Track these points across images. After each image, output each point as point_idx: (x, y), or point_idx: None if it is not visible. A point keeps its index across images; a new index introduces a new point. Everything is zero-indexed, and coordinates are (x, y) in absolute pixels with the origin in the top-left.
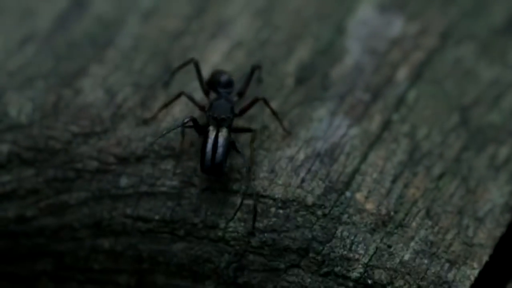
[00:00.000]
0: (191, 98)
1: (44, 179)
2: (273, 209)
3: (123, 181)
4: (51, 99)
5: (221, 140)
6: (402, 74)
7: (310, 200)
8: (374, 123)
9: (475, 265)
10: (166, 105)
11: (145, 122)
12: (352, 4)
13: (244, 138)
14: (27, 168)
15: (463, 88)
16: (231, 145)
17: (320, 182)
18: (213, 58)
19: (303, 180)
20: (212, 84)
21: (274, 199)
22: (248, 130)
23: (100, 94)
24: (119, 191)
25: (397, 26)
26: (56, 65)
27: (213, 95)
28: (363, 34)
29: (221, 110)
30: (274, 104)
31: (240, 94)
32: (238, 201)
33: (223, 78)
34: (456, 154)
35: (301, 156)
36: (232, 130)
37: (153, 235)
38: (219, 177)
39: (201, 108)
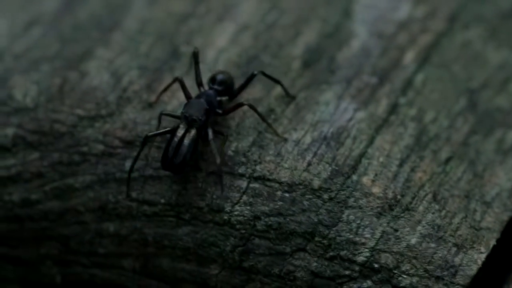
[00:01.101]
0: (182, 85)
1: (49, 163)
2: (279, 193)
3: (129, 165)
4: (56, 82)
5: (186, 141)
6: (410, 57)
7: (316, 183)
8: (381, 107)
9: (482, 249)
10: (164, 90)
11: (150, 105)
12: None
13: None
14: (32, 152)
15: (471, 71)
16: (197, 146)
17: (327, 166)
18: (220, 42)
19: (309, 164)
20: (208, 80)
21: (280, 183)
22: (220, 133)
23: (106, 77)
24: (125, 174)
25: (404, 9)
26: (62, 48)
27: (202, 88)
28: (370, 17)
29: (195, 110)
30: (281, 88)
31: (232, 96)
32: (244, 184)
33: (219, 76)
34: (463, 138)
35: (308, 139)
36: (204, 128)
37: (158, 218)
38: (179, 174)
39: (189, 97)
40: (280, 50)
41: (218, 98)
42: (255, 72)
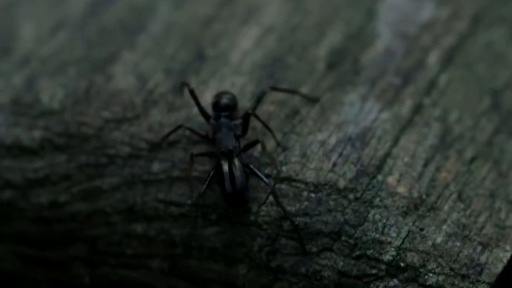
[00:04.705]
0: (190, 129)
1: (76, 165)
2: (305, 193)
3: (155, 166)
4: (83, 85)
5: (237, 172)
6: (433, 58)
7: (342, 183)
8: (405, 107)
9: (508, 247)
10: (167, 135)
11: (159, 145)
12: None
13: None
14: (60, 154)
15: (494, 71)
16: (247, 172)
17: (352, 166)
18: (244, 44)
19: (334, 164)
20: (213, 107)
21: (306, 183)
22: (255, 142)
23: (132, 80)
24: (151, 176)
25: (427, 10)
26: (88, 52)
27: (212, 121)
28: (393, 18)
29: (226, 141)
30: (305, 89)
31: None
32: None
33: (222, 100)
34: (487, 137)
35: (333, 140)
36: (243, 151)
37: (185, 219)
38: (243, 207)
39: (203, 137)
40: (304, 51)
41: (233, 122)
42: (266, 90)
